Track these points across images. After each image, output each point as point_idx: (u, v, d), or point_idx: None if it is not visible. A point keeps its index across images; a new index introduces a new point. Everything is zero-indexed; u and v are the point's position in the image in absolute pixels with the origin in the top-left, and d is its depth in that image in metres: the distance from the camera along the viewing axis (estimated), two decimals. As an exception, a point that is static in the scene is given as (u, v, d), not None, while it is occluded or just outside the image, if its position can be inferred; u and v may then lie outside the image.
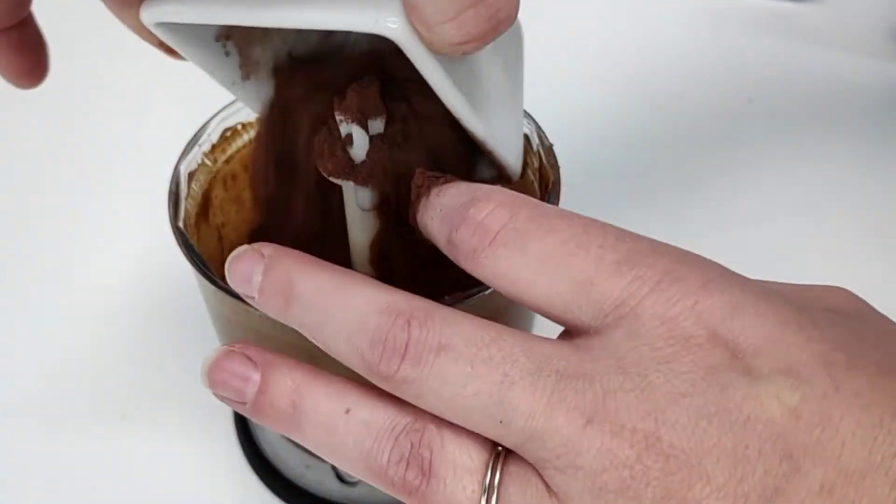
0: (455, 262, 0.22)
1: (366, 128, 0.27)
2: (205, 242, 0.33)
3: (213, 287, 0.27)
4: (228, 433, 0.39)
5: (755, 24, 0.63)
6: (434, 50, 0.21)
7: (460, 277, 0.30)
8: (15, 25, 0.23)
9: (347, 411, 0.21)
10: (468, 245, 0.21)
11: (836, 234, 0.48)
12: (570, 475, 0.19)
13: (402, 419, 0.21)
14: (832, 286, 0.23)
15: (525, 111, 0.33)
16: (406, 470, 0.20)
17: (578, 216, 0.21)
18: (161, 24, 0.24)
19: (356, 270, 0.32)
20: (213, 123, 0.33)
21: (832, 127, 0.55)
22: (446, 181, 0.24)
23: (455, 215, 0.22)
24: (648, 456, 0.18)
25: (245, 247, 0.23)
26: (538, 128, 0.32)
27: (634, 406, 0.19)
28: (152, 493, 0.37)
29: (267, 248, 0.23)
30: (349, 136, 0.27)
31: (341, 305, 0.21)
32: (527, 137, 0.33)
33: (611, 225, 0.21)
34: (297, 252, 0.23)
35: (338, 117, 0.27)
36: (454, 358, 0.20)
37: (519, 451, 0.20)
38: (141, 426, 0.40)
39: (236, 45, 0.27)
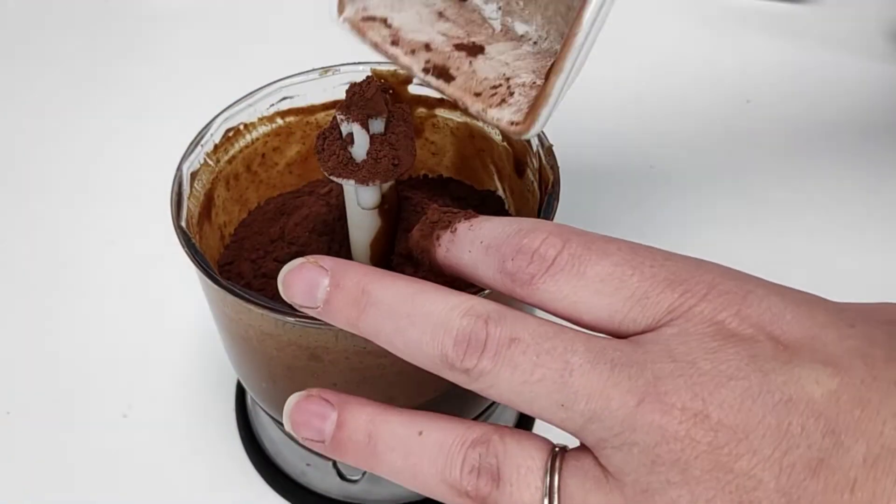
0: (503, 290, 0.23)
1: (367, 127, 0.27)
2: (207, 242, 0.33)
3: (215, 286, 0.28)
4: (230, 431, 0.40)
5: (754, 25, 0.64)
6: None
7: (454, 279, 0.30)
8: None
9: (420, 433, 0.23)
10: (525, 273, 0.22)
11: (834, 235, 0.48)
12: (627, 451, 0.20)
13: (469, 434, 0.23)
14: (879, 303, 0.24)
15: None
16: (478, 478, 0.22)
17: (621, 240, 0.23)
18: None
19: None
20: (215, 123, 0.34)
21: (831, 127, 0.55)
22: (468, 216, 0.25)
23: (505, 246, 0.23)
24: (697, 431, 0.20)
25: (300, 260, 0.25)
26: (538, 128, 0.33)
27: (684, 388, 0.20)
28: (154, 490, 0.38)
29: (326, 261, 0.24)
30: (350, 135, 0.28)
31: (423, 311, 0.23)
32: (526, 137, 0.33)
33: (652, 246, 0.23)
34: (360, 263, 0.25)
35: (339, 117, 0.27)
36: (523, 349, 0.22)
37: (580, 435, 0.21)
38: (143, 424, 0.40)
39: None
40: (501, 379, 0.22)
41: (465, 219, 0.25)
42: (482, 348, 0.22)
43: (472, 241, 0.24)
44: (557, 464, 0.22)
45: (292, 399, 0.25)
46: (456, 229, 0.25)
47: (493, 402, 0.35)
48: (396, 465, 0.23)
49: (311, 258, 0.25)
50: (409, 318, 0.23)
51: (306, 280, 0.24)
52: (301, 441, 0.25)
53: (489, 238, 0.24)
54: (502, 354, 0.22)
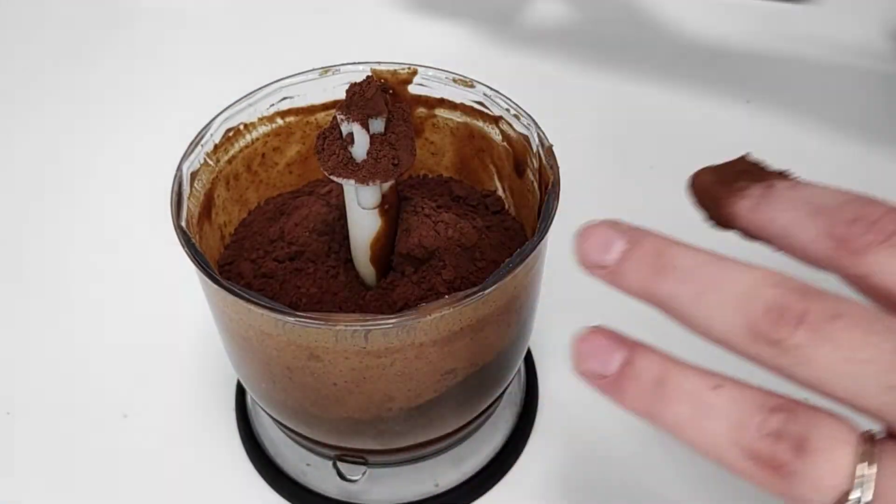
0: (821, 256, 0.22)
1: (367, 127, 0.27)
2: (207, 242, 0.33)
3: (215, 286, 0.28)
4: (231, 431, 0.40)
5: (754, 25, 0.64)
6: None
7: (454, 279, 0.30)
8: None
9: (716, 387, 0.21)
10: (861, 240, 0.21)
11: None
12: None
13: (770, 399, 0.21)
14: None
15: (525, 111, 0.34)
16: (777, 443, 0.20)
17: None
18: None
19: (357, 268, 0.32)
20: (215, 123, 0.34)
21: (831, 127, 0.55)
22: (782, 175, 0.25)
23: (842, 212, 0.22)
24: None
25: (598, 220, 0.23)
26: (538, 128, 0.33)
27: None
28: (154, 490, 0.38)
29: (622, 224, 0.23)
30: (350, 135, 0.28)
31: (728, 277, 0.22)
32: (527, 138, 0.33)
33: None
34: (650, 229, 0.23)
35: (339, 117, 0.27)
36: (849, 326, 0.20)
37: None
38: (143, 424, 0.40)
39: None
40: (819, 354, 0.20)
41: (781, 178, 0.24)
42: (799, 320, 0.20)
43: (795, 200, 0.23)
44: (873, 447, 0.20)
45: (581, 331, 0.23)
46: (774, 185, 0.24)
47: (490, 406, 0.35)
48: (681, 416, 0.22)
49: (607, 220, 0.23)
50: (711, 282, 0.22)
51: (601, 237, 0.23)
52: (581, 373, 0.23)
53: (819, 200, 0.23)
54: (823, 329, 0.20)
